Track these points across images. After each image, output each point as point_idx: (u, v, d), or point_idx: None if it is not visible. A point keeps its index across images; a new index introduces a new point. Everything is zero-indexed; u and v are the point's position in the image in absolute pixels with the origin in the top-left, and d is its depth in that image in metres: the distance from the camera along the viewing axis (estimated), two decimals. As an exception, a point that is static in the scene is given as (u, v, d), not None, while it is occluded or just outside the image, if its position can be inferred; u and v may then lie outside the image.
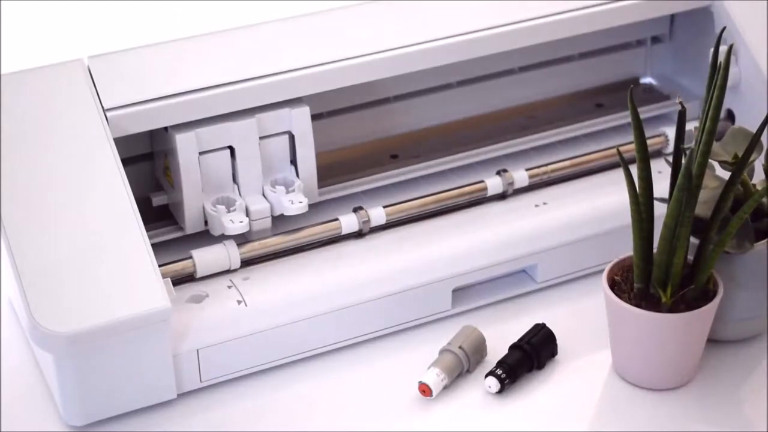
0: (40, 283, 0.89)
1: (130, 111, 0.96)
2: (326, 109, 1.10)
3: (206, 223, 1.01)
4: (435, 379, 0.94)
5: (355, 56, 1.02)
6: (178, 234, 1.02)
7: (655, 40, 1.23)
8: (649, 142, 0.95)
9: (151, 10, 1.10)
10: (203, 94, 0.98)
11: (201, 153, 0.99)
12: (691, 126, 0.95)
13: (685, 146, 0.92)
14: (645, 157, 0.91)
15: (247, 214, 1.00)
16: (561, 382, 0.96)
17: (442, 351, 0.96)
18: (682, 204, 0.89)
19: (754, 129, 0.95)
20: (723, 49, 0.93)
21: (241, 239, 1.01)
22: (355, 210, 1.04)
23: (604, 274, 0.95)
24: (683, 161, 0.89)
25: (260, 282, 0.99)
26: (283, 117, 1.01)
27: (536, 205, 1.08)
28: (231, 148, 1.01)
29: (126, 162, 0.97)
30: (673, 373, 0.95)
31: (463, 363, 0.96)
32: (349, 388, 0.97)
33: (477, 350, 0.97)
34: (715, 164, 0.97)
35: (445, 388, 0.95)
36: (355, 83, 1.03)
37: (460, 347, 0.96)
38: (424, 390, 0.94)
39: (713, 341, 0.98)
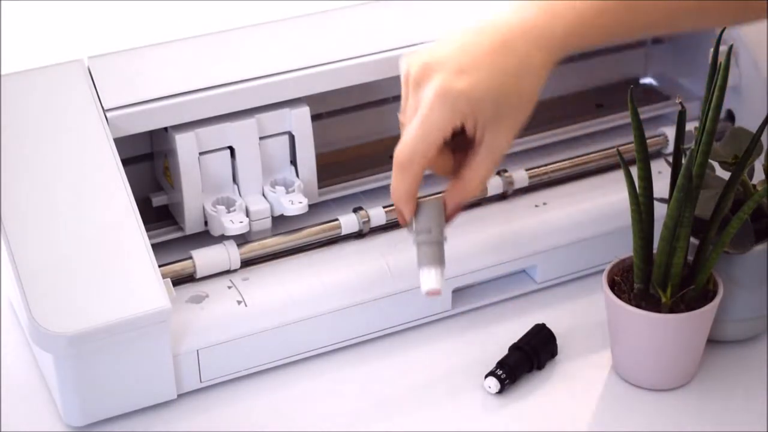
0: (40, 283, 0.88)
1: (130, 111, 0.96)
2: (326, 109, 1.09)
3: (206, 223, 1.01)
4: (436, 278, 0.90)
5: (355, 56, 1.02)
6: (178, 234, 1.02)
7: (655, 40, 1.23)
8: (649, 142, 0.95)
9: (151, 10, 1.10)
10: (203, 94, 0.98)
11: (201, 153, 0.99)
12: (691, 126, 0.95)
13: (685, 146, 0.92)
14: (645, 157, 0.91)
15: (247, 215, 1.00)
16: (561, 382, 0.96)
17: (420, 244, 0.90)
18: (682, 204, 0.89)
19: (754, 129, 0.95)
20: (723, 49, 0.93)
21: (241, 239, 1.01)
22: (355, 210, 1.04)
23: (604, 275, 0.95)
24: (683, 161, 0.89)
25: (260, 282, 0.98)
26: (283, 117, 1.01)
27: (536, 206, 1.08)
28: (231, 149, 1.01)
29: (126, 162, 0.97)
30: (673, 373, 0.95)
31: (443, 244, 0.91)
32: (349, 388, 0.97)
33: (442, 221, 0.91)
34: (715, 164, 0.97)
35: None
36: (355, 83, 1.03)
37: (430, 231, 0.90)
38: (434, 293, 0.90)
39: (713, 341, 0.98)
